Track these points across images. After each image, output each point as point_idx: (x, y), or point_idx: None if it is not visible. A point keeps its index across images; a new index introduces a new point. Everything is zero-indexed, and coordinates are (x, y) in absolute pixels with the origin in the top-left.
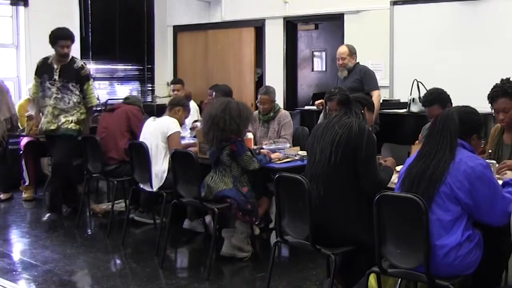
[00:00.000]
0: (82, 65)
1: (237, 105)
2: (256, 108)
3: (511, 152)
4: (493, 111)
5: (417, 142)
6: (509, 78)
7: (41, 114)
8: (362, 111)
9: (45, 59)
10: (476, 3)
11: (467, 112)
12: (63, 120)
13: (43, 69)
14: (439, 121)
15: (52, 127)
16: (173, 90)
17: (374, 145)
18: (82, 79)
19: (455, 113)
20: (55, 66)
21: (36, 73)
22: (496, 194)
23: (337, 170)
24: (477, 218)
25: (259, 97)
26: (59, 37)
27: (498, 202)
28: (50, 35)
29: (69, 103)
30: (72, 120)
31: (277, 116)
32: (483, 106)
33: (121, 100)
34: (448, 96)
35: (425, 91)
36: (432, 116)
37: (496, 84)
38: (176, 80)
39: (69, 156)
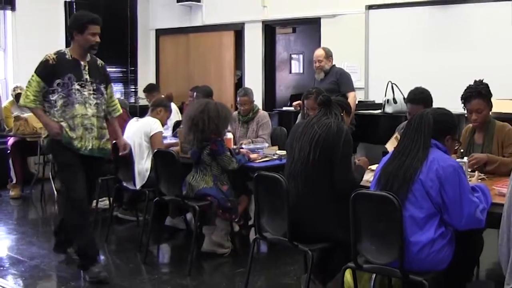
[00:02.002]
0: (102, 62)
1: (216, 106)
2: (236, 109)
3: (482, 151)
4: (466, 111)
5: (393, 137)
6: (482, 80)
7: (65, 125)
8: (341, 114)
9: (62, 54)
10: (448, 7)
11: (442, 113)
12: (107, 135)
13: (63, 67)
14: (414, 120)
15: (98, 145)
16: (147, 98)
17: (350, 145)
18: (108, 80)
19: (430, 114)
20: (82, 63)
21: (43, 73)
22: (464, 197)
23: (315, 169)
24: (445, 219)
25: (238, 98)
26: (90, 21)
27: (466, 204)
28: (74, 21)
29: (103, 111)
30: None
31: (256, 116)
32: (455, 107)
33: None
34: (432, 100)
35: (399, 93)
36: (413, 114)
37: (470, 85)
38: (148, 88)
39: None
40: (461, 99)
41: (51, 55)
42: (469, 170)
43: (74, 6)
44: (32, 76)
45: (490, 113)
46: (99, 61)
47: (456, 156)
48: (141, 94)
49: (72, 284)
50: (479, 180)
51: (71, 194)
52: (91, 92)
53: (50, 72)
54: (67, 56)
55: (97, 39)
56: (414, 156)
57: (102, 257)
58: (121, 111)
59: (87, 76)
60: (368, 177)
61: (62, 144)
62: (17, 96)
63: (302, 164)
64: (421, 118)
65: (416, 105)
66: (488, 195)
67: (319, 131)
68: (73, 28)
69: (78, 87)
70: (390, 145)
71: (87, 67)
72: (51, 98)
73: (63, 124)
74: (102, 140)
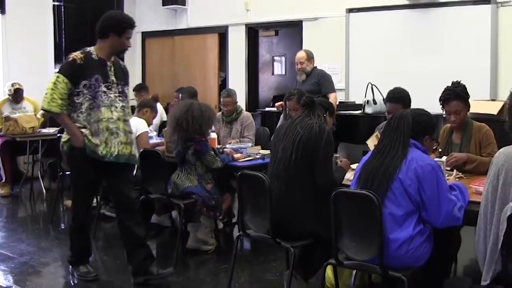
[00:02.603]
0: (124, 64)
1: (199, 106)
2: (220, 109)
3: (460, 150)
4: (444, 112)
5: (374, 135)
6: (459, 81)
7: (87, 132)
8: (325, 115)
9: (88, 53)
10: (427, 10)
11: (421, 114)
12: (134, 141)
13: (91, 67)
14: (394, 121)
15: (126, 151)
16: (136, 97)
17: (331, 146)
18: (128, 82)
19: (409, 114)
20: (108, 64)
21: (70, 73)
22: (442, 195)
23: (297, 168)
24: (424, 217)
25: (222, 99)
26: (130, 25)
27: (443, 203)
28: (113, 21)
29: (128, 114)
30: None
31: (240, 117)
32: (433, 107)
33: None
34: (411, 100)
35: (378, 94)
36: (392, 113)
37: (448, 87)
38: (137, 88)
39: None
40: (440, 101)
41: (78, 54)
42: (448, 169)
43: (63, 10)
44: (57, 77)
45: (468, 113)
46: (122, 62)
47: (434, 156)
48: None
49: (61, 280)
50: (457, 179)
51: (79, 203)
52: (117, 94)
53: (77, 72)
54: (93, 56)
55: (130, 44)
56: (393, 155)
57: None
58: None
59: (113, 78)
60: (349, 175)
61: (85, 153)
62: (16, 92)
63: (285, 163)
64: (401, 118)
65: (395, 103)
66: (465, 194)
67: (302, 132)
68: (110, 29)
69: (104, 89)
70: (371, 142)
71: (113, 68)
72: (76, 101)
73: (85, 131)
74: (132, 146)
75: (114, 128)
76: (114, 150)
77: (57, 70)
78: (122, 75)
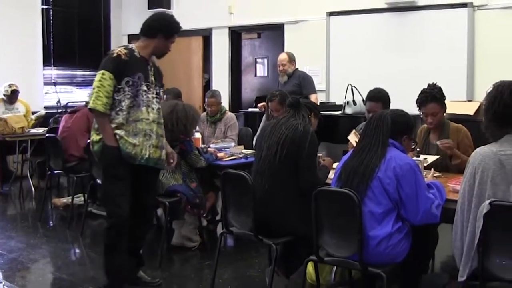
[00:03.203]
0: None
1: (184, 107)
2: (204, 110)
3: (437, 150)
4: (421, 114)
5: (353, 132)
6: (435, 84)
7: (122, 133)
8: (310, 116)
9: (131, 50)
10: (405, 14)
11: (400, 114)
12: (164, 146)
13: (134, 64)
14: (373, 121)
15: (156, 155)
16: None
17: (315, 147)
18: (163, 85)
19: (388, 114)
20: (150, 63)
21: (116, 69)
22: (420, 193)
23: (281, 167)
24: (402, 214)
25: (206, 100)
26: (179, 30)
27: (421, 200)
28: (166, 24)
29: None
30: None
31: (224, 117)
32: (412, 108)
33: (83, 103)
34: (390, 99)
35: (358, 95)
36: (372, 111)
37: (424, 89)
38: None
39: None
40: (417, 103)
41: (122, 50)
42: (426, 163)
43: (51, 13)
44: (102, 74)
45: (445, 114)
46: (157, 64)
47: (412, 155)
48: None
49: (49, 276)
50: (434, 178)
51: (116, 210)
52: (154, 95)
53: (121, 68)
54: (136, 53)
55: (171, 48)
56: (373, 155)
57: (77, 250)
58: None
59: (153, 78)
60: (330, 174)
61: (119, 154)
62: (12, 93)
63: (269, 162)
64: (380, 118)
65: (375, 102)
66: (442, 192)
67: (286, 132)
68: (160, 30)
69: (145, 88)
70: (352, 136)
71: (153, 68)
72: (116, 98)
73: (121, 132)
74: (162, 151)
75: (149, 130)
76: (145, 152)
77: (46, 71)
78: (159, 77)
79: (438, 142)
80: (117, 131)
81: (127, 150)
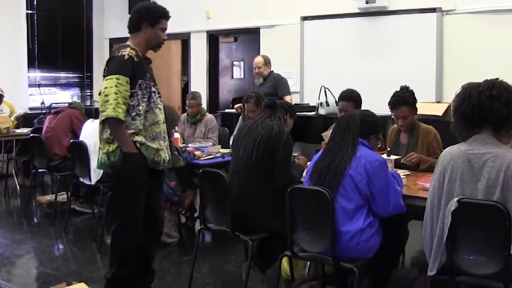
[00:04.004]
0: None
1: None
2: (183, 111)
3: (407, 150)
4: (393, 116)
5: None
6: (407, 87)
7: (143, 140)
8: (285, 117)
9: (136, 50)
10: (376, 18)
11: (367, 115)
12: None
13: (144, 65)
14: (343, 121)
15: (170, 156)
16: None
17: (290, 147)
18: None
19: (357, 115)
20: (150, 61)
21: (130, 73)
22: (389, 187)
23: (257, 166)
24: (373, 208)
25: (187, 102)
26: (164, 15)
27: (391, 194)
28: (146, 11)
29: None
30: None
31: (204, 119)
32: (382, 109)
33: (66, 104)
34: (361, 100)
35: (331, 96)
36: (344, 111)
37: (397, 92)
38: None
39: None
40: (388, 105)
41: (131, 51)
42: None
43: (35, 18)
44: (117, 79)
45: (416, 115)
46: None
47: (381, 153)
48: (96, 97)
49: (34, 271)
50: (404, 176)
51: (132, 220)
52: (159, 95)
53: (135, 71)
54: (139, 53)
55: (165, 36)
56: (343, 153)
57: (60, 246)
58: None
59: (154, 77)
60: (304, 172)
61: (142, 163)
62: None
63: (246, 161)
64: (349, 118)
65: (347, 102)
66: (399, 180)
67: (263, 132)
68: (142, 19)
69: (154, 89)
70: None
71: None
72: (130, 103)
73: (140, 138)
74: (168, 151)
75: (163, 131)
76: (166, 155)
77: (30, 74)
78: (154, 75)
79: (403, 160)
80: (137, 138)
81: (151, 155)
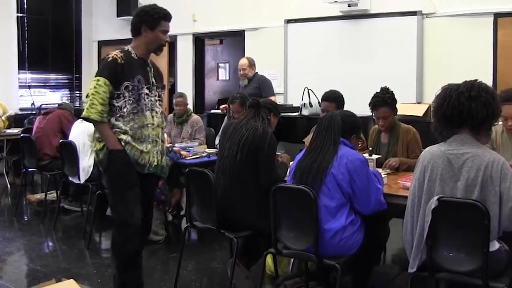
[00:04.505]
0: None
1: None
2: (169, 111)
3: (387, 150)
4: (374, 116)
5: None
6: (387, 88)
7: (128, 138)
8: (269, 117)
9: (128, 52)
10: (358, 21)
11: (348, 115)
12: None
13: (133, 67)
14: (325, 121)
15: (163, 162)
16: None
17: (274, 147)
18: (164, 86)
19: (338, 115)
20: (149, 63)
21: (112, 75)
22: (370, 185)
23: (241, 166)
24: (355, 206)
25: (174, 100)
26: (164, 16)
27: (372, 191)
28: (144, 14)
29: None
30: None
31: (190, 119)
32: (363, 110)
33: (56, 105)
34: (344, 101)
35: (314, 97)
36: (327, 111)
37: (377, 93)
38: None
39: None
40: (369, 106)
41: (118, 54)
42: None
43: (26, 21)
44: (98, 80)
45: (395, 116)
46: (155, 64)
47: (363, 152)
48: (85, 98)
49: (24, 268)
50: (385, 175)
51: (129, 220)
52: (157, 98)
53: (119, 73)
54: (133, 55)
55: (167, 38)
56: (325, 152)
57: (50, 243)
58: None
59: (153, 80)
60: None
61: (127, 160)
62: None
63: (231, 161)
64: (331, 119)
65: (329, 102)
66: (380, 179)
67: (247, 133)
68: (142, 23)
69: (146, 91)
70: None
71: (152, 69)
72: (115, 104)
73: (126, 137)
74: (164, 157)
75: (154, 135)
76: (153, 160)
77: (21, 75)
78: (159, 78)
79: (383, 170)
80: (122, 136)
81: (135, 156)
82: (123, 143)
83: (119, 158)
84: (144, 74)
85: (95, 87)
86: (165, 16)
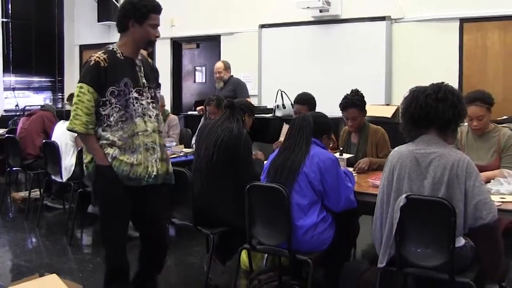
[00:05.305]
0: (152, 61)
1: None
2: None
3: (357, 149)
4: (344, 117)
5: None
6: (357, 90)
7: (116, 152)
8: (244, 118)
9: (112, 53)
10: (330, 26)
11: (320, 116)
12: (168, 156)
13: (117, 69)
14: (297, 122)
15: (163, 169)
16: (70, 105)
17: (249, 146)
18: (159, 84)
19: (310, 116)
20: (137, 63)
21: (96, 81)
22: (340, 184)
23: (217, 166)
24: (326, 204)
25: None
26: (152, 9)
27: (342, 190)
28: (131, 7)
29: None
30: None
31: (167, 119)
32: (334, 111)
33: (39, 107)
34: (316, 103)
35: (287, 99)
36: (299, 113)
37: (347, 95)
38: (69, 98)
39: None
40: (339, 107)
41: (100, 55)
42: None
43: (10, 25)
44: (80, 87)
45: (365, 117)
46: (150, 60)
47: (334, 152)
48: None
49: (9, 263)
50: (356, 174)
51: (109, 243)
52: (149, 100)
53: (102, 78)
54: (118, 55)
55: (158, 33)
56: (298, 152)
57: (34, 239)
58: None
59: (144, 80)
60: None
61: (114, 177)
62: None
63: (207, 161)
64: (303, 120)
65: (302, 105)
66: (351, 178)
67: (222, 134)
68: (129, 17)
69: (136, 95)
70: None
71: (142, 68)
72: (102, 112)
73: (113, 151)
74: (169, 163)
75: (150, 142)
76: (152, 169)
77: (5, 78)
78: (153, 76)
79: (355, 172)
80: (109, 150)
81: (124, 172)
82: (110, 159)
83: (105, 175)
84: (132, 76)
85: (78, 95)
86: (154, 8)
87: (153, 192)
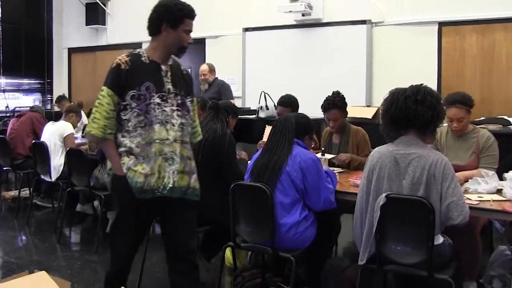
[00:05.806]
0: (186, 68)
1: None
2: None
3: (338, 149)
4: (325, 118)
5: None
6: (338, 92)
7: (130, 162)
8: (228, 119)
9: (136, 56)
10: (312, 29)
11: (302, 117)
12: (195, 170)
13: (139, 73)
14: (280, 123)
15: (182, 182)
16: (58, 106)
17: (233, 147)
18: (193, 92)
19: (293, 117)
20: (163, 67)
21: (117, 84)
22: (321, 184)
23: (203, 166)
24: (306, 203)
25: None
26: (188, 14)
27: (322, 190)
28: (165, 10)
29: (189, 134)
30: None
31: None
32: (316, 112)
33: (28, 108)
34: (299, 105)
35: (270, 100)
36: (283, 114)
37: (328, 96)
38: (58, 99)
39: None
40: (321, 108)
41: (123, 58)
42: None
43: (0, 29)
44: (101, 90)
45: (346, 118)
46: (183, 67)
47: (316, 152)
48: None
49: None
50: (337, 173)
51: (114, 247)
52: (175, 108)
53: (123, 80)
54: (143, 59)
55: (190, 39)
56: (280, 152)
57: (23, 237)
58: (201, 135)
59: (170, 86)
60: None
61: (128, 189)
62: None
63: None
64: (285, 121)
65: (285, 107)
66: (334, 179)
67: (206, 135)
68: (161, 20)
69: (158, 100)
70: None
71: (169, 74)
72: (123, 117)
73: (129, 161)
74: (192, 177)
75: (169, 152)
76: (168, 181)
77: None
78: (183, 83)
79: (335, 161)
80: (125, 160)
81: (137, 184)
82: (125, 169)
83: (119, 185)
84: (156, 80)
85: (98, 98)
86: (190, 13)
87: (173, 206)
